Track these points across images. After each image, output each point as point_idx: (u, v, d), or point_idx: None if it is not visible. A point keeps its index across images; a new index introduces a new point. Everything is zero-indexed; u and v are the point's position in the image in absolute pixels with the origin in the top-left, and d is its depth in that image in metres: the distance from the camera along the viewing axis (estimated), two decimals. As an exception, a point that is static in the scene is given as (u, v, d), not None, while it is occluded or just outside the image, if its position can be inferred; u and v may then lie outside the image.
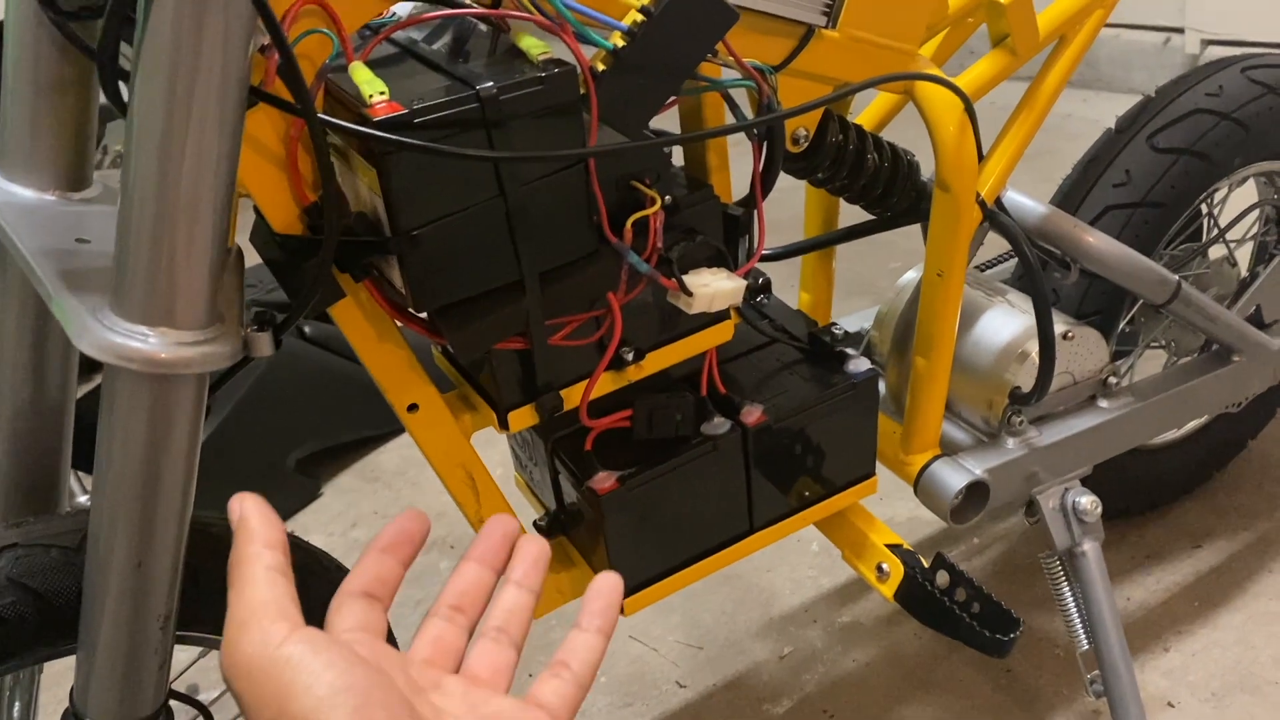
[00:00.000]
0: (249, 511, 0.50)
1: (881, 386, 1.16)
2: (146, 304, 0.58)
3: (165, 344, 0.58)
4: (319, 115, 0.61)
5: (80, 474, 0.96)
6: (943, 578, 0.96)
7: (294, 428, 1.93)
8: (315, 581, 0.87)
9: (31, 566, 0.71)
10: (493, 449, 1.12)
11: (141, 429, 0.60)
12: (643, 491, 0.87)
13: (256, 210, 0.70)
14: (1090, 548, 1.08)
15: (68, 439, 0.81)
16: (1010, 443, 1.05)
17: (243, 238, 0.71)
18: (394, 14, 0.75)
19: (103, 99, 0.67)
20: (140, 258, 0.57)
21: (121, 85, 0.58)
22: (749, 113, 0.86)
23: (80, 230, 0.68)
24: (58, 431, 0.80)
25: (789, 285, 1.18)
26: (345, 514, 1.87)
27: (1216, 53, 2.93)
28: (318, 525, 1.85)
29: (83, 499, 1.96)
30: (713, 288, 0.79)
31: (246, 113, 0.62)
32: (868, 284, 2.05)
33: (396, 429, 1.99)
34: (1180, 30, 3.03)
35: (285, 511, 1.87)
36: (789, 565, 1.50)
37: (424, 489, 1.87)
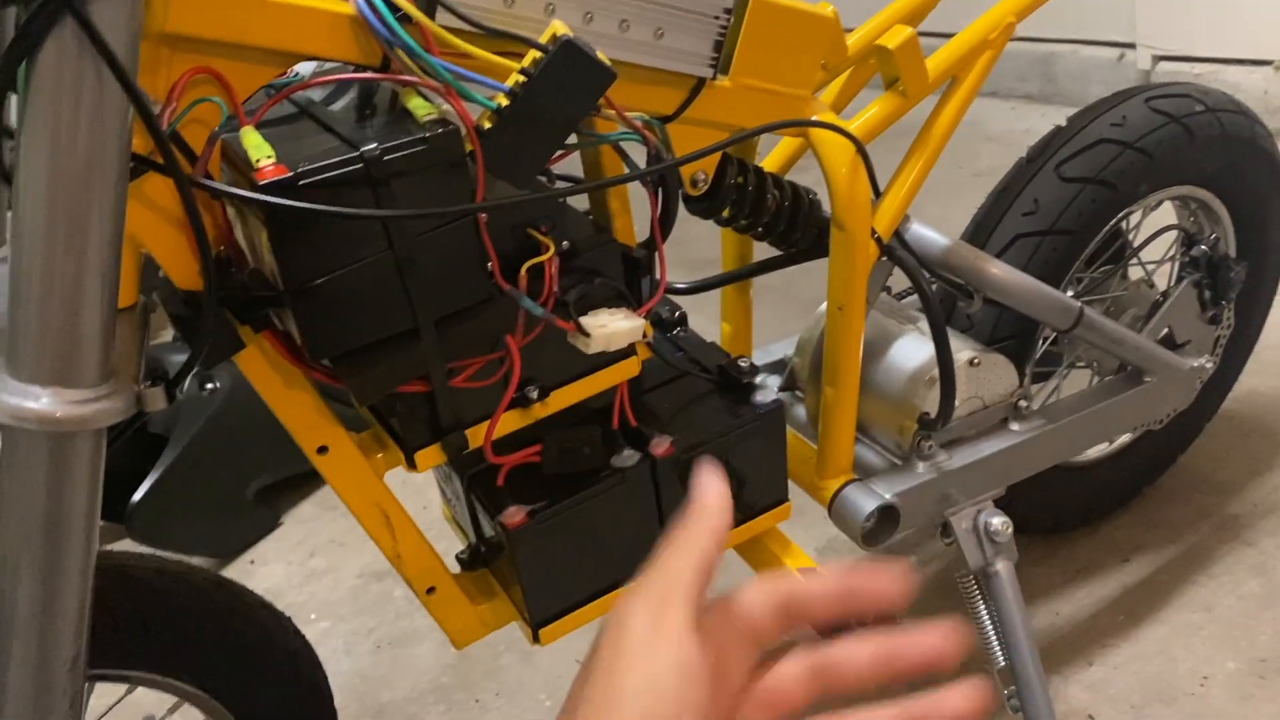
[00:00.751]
0: (710, 492, 0.51)
1: (802, 412, 1.20)
2: (38, 364, 0.61)
3: (58, 403, 0.61)
4: (195, 179, 0.64)
5: None
6: (851, 600, 0.99)
7: (253, 458, 1.96)
8: (236, 618, 0.90)
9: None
10: (431, 486, 1.14)
11: (41, 484, 0.63)
12: (553, 524, 0.90)
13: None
14: (1003, 567, 1.11)
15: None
16: (921, 466, 1.09)
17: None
18: (296, 73, 0.78)
19: None
20: (30, 320, 0.61)
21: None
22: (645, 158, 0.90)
23: (-14, 291, 0.71)
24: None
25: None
26: (305, 543, 1.90)
27: (1167, 68, 2.98)
28: (277, 555, 1.87)
29: None
30: (610, 328, 0.83)
31: (140, 179, 0.65)
32: (810, 307, 2.09)
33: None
34: (1132, 46, 3.09)
35: (244, 542, 1.90)
36: (727, 585, 1.53)
37: (382, 517, 1.89)
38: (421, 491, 1.59)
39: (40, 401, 0.61)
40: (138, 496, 1.75)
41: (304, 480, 2.01)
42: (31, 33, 0.53)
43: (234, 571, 1.84)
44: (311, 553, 1.87)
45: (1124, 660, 1.31)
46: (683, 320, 1.08)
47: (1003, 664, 1.12)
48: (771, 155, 1.11)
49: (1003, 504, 1.14)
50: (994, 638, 1.12)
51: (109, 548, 1.20)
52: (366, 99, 0.80)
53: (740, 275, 1.11)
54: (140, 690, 0.88)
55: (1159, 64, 3.03)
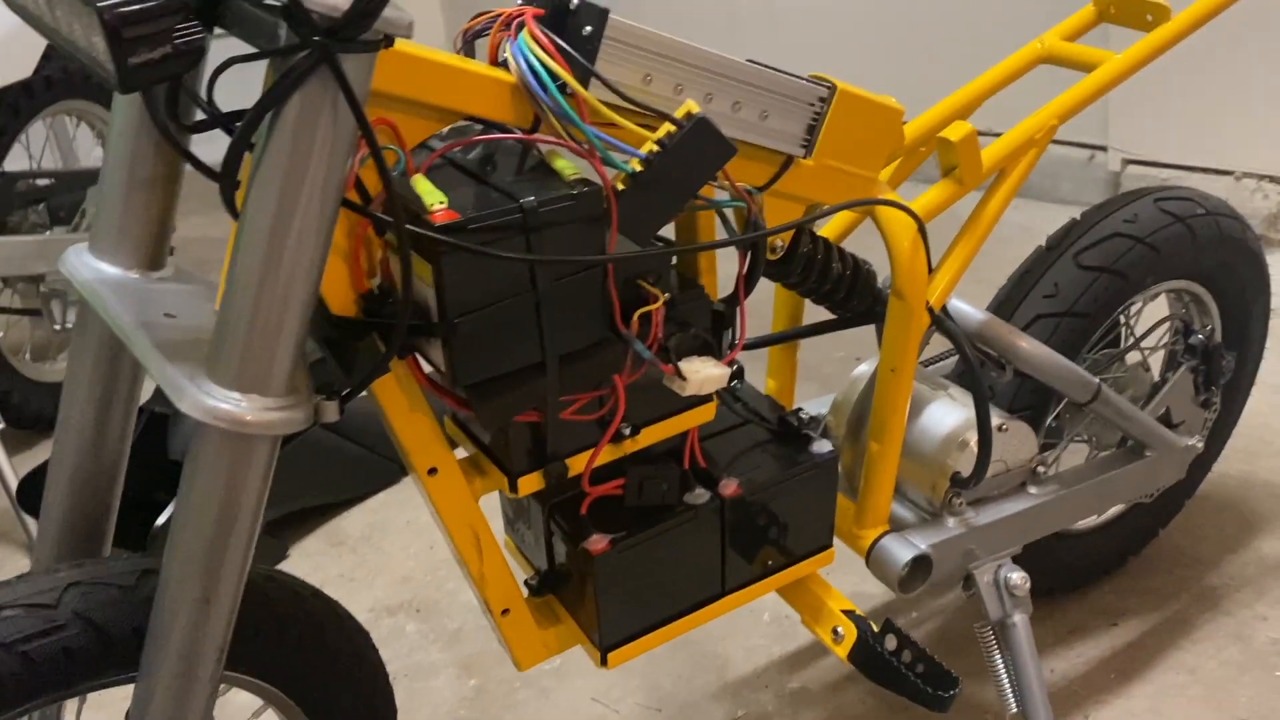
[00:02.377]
0: None
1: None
2: (239, 373, 0.69)
3: (252, 408, 0.69)
4: (409, 226, 0.72)
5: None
6: (891, 641, 1.08)
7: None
8: (331, 628, 0.96)
9: (93, 602, 0.80)
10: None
11: (222, 480, 0.70)
12: (632, 553, 0.98)
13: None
14: (1020, 619, 1.20)
15: (118, 492, 0.90)
16: (950, 521, 1.18)
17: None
18: (441, 130, 0.87)
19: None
20: (238, 336, 0.68)
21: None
22: (734, 223, 0.99)
23: (165, 305, 0.78)
24: (111, 483, 0.89)
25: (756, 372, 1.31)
26: (311, 577, 1.90)
27: (1135, 171, 3.17)
28: (285, 586, 1.90)
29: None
30: (703, 374, 0.92)
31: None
32: (814, 370, 2.19)
33: (361, 495, 2.07)
34: (1104, 148, 3.28)
35: (254, 572, 1.93)
36: (742, 634, 1.60)
37: (388, 554, 1.94)
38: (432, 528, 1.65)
39: (239, 405, 0.68)
40: (160, 522, 1.78)
41: (310, 516, 2.05)
42: (289, 80, 0.62)
43: (245, 600, 1.87)
44: (320, 586, 1.90)
45: (1117, 715, 1.40)
46: (740, 373, 1.17)
47: (1015, 710, 1.21)
48: (829, 227, 1.21)
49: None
50: (1008, 685, 1.21)
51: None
52: (494, 155, 0.88)
53: (794, 335, 1.20)
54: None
55: (1128, 167, 3.22)
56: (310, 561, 1.97)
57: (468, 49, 0.87)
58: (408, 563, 1.96)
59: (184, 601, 0.73)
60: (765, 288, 1.16)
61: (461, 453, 0.99)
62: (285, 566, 1.96)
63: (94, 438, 0.86)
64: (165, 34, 0.56)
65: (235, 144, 0.64)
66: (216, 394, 0.68)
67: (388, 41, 0.66)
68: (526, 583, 1.09)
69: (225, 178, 0.65)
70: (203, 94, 0.71)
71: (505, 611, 1.02)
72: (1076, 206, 1.52)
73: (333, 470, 2.04)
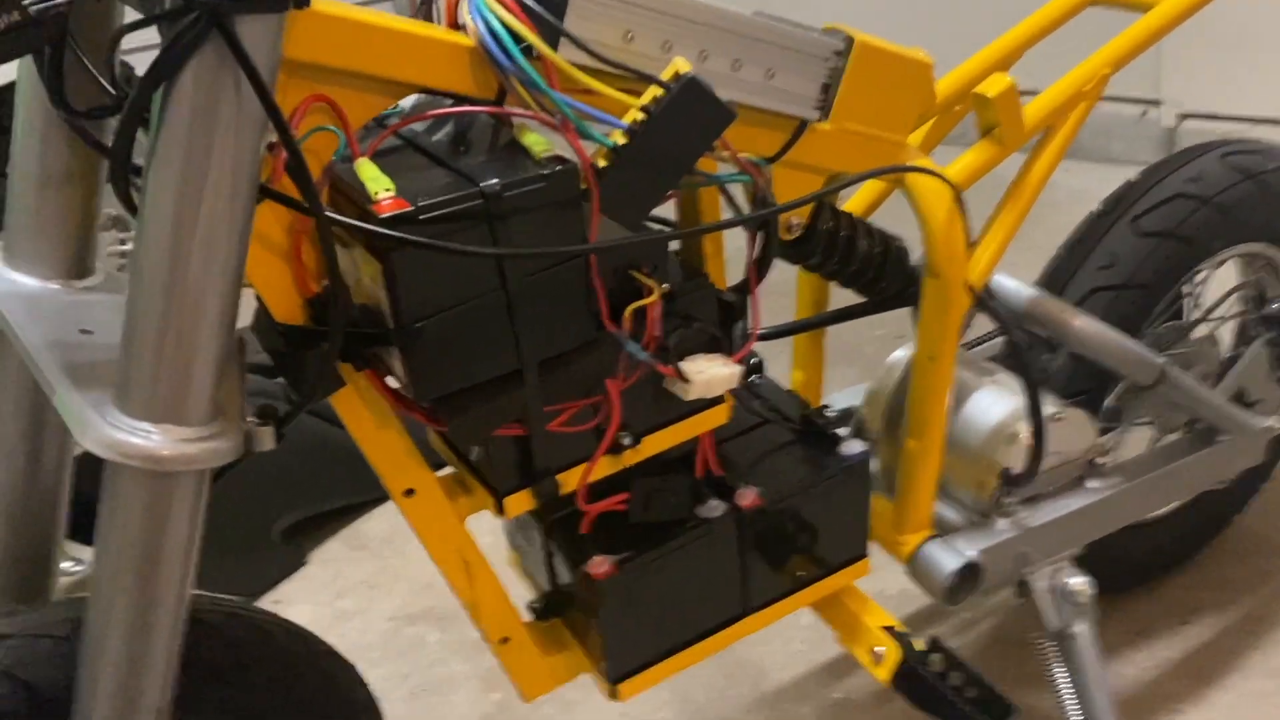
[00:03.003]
0: None
1: (873, 464, 1.17)
2: (150, 400, 0.59)
3: (168, 441, 0.59)
4: (328, 213, 0.62)
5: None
6: (937, 661, 0.96)
7: (279, 496, 1.92)
8: (306, 666, 0.86)
9: (23, 657, 0.71)
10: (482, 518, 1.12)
11: (142, 524, 0.61)
12: (639, 575, 0.87)
13: (258, 299, 0.71)
14: (1082, 630, 1.08)
15: (60, 528, 0.81)
16: (1001, 523, 1.06)
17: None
18: (399, 106, 0.76)
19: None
20: (145, 354, 0.58)
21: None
22: (743, 201, 0.88)
23: (83, 320, 0.68)
24: (50, 521, 0.80)
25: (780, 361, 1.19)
26: (332, 584, 1.85)
27: (1192, 126, 2.99)
28: (304, 595, 1.83)
29: (65, 564, 1.91)
30: (709, 374, 0.80)
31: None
32: (854, 352, 2.06)
33: (382, 496, 1.98)
34: (1157, 103, 3.11)
35: (270, 582, 1.85)
36: (780, 639, 1.49)
37: (410, 558, 1.86)
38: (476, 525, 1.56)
39: (150, 438, 0.58)
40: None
41: (331, 518, 1.97)
42: (176, 52, 0.51)
43: (260, 612, 1.79)
44: (340, 594, 1.82)
45: (1194, 727, 1.28)
46: (759, 368, 1.05)
47: (1080, 730, 1.09)
48: (854, 200, 1.09)
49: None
50: (1072, 703, 1.09)
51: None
52: (464, 131, 0.77)
53: (820, 322, 1.09)
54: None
55: (1184, 122, 3.04)
56: (331, 569, 1.89)
57: (425, 11, 0.76)
58: (430, 566, 1.87)
59: (110, 663, 0.63)
60: (787, 270, 1.05)
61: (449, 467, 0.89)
62: (305, 574, 1.88)
63: (26, 474, 0.77)
64: (12, -1, 0.46)
65: (122, 127, 0.54)
66: (125, 426, 0.58)
67: (298, 1, 0.55)
68: (530, 605, 0.99)
69: (114, 168, 0.55)
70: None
71: (504, 640, 0.92)
72: (1130, 166, 1.39)
73: (353, 471, 1.95)
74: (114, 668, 0.64)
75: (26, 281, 0.71)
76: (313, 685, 0.87)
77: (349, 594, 1.81)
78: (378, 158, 0.72)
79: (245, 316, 0.75)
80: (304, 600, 1.81)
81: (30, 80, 0.67)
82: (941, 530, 1.07)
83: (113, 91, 0.61)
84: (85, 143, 0.66)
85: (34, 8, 0.47)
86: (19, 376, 0.75)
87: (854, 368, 2.11)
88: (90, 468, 0.62)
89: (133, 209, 0.57)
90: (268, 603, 1.82)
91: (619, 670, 0.90)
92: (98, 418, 0.59)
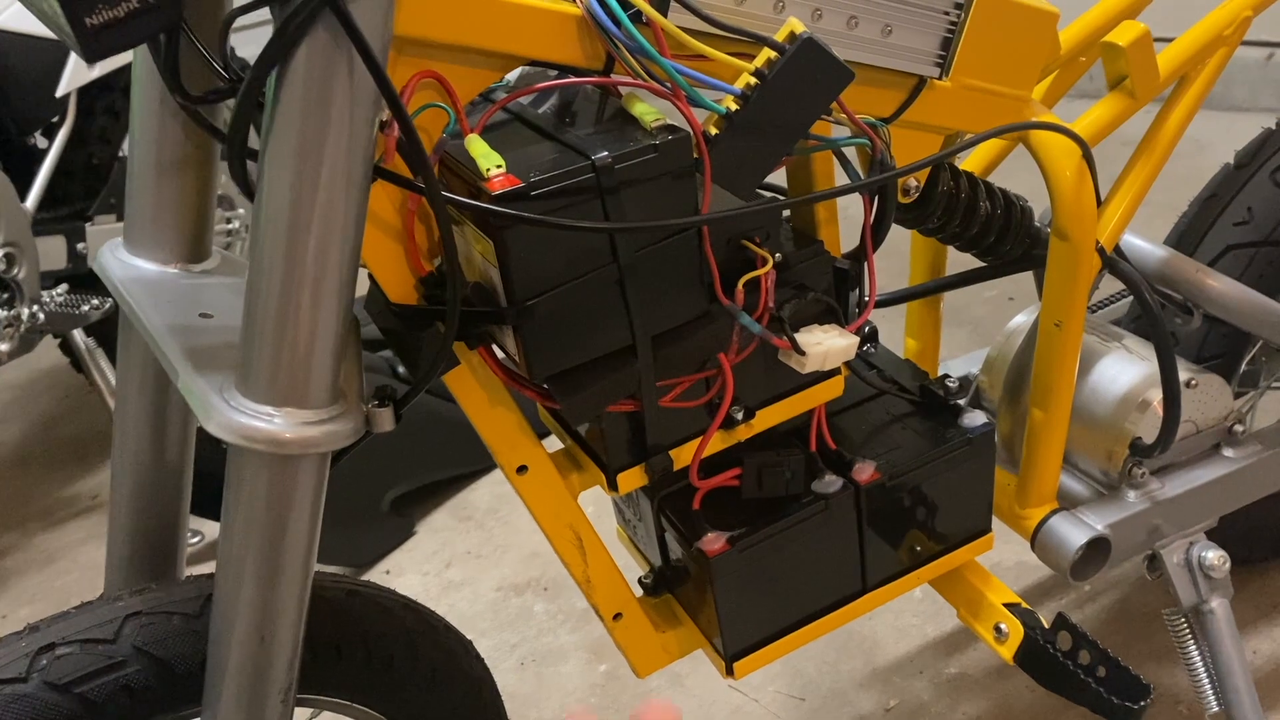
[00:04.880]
0: None
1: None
2: (271, 384, 0.59)
3: (290, 424, 0.59)
4: (444, 193, 0.61)
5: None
6: (1065, 639, 0.93)
7: (389, 468, 1.95)
8: (424, 642, 0.87)
9: (155, 634, 0.72)
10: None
11: (265, 506, 0.61)
12: (753, 553, 0.85)
13: (371, 279, 0.71)
14: (1218, 605, 1.03)
15: (185, 504, 0.82)
16: (1131, 495, 1.01)
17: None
18: (505, 80, 0.75)
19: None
20: (266, 338, 0.58)
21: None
22: (856, 164, 0.84)
23: (203, 304, 0.69)
24: (176, 498, 0.81)
25: (895, 329, 1.16)
26: (440, 553, 1.88)
27: (1323, 69, 2.82)
28: (413, 565, 1.86)
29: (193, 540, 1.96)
30: (825, 345, 0.78)
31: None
32: (962, 313, 2.00)
33: (488, 466, 2.00)
34: (1282, 45, 2.93)
35: (380, 552, 1.89)
36: (893, 612, 1.47)
37: (517, 528, 1.87)
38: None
39: (273, 422, 0.58)
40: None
41: (438, 489, 2.00)
42: (289, 32, 0.50)
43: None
44: (448, 563, 1.85)
45: (1338, 707, 1.21)
46: (874, 335, 1.02)
47: (1216, 709, 1.04)
48: (973, 158, 1.04)
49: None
50: (1207, 681, 1.04)
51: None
52: (569, 103, 0.76)
53: (937, 288, 1.05)
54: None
55: (1314, 65, 2.87)
56: (438, 538, 1.92)
57: (530, -19, 0.74)
58: (535, 536, 1.87)
59: (238, 643, 0.64)
60: (901, 233, 1.01)
61: (559, 443, 0.88)
62: (413, 543, 1.91)
63: (151, 453, 0.78)
64: (129, -15, 0.46)
65: (238, 110, 0.53)
66: (248, 410, 0.59)
67: (408, -25, 0.54)
68: (641, 580, 0.98)
69: (231, 152, 0.55)
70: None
71: (617, 616, 0.91)
72: (1254, 114, 1.30)
73: (459, 442, 1.97)
74: (242, 646, 0.64)
75: (147, 266, 0.72)
76: (432, 660, 0.88)
77: (457, 564, 1.84)
78: (486, 133, 0.71)
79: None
80: (413, 570, 1.85)
81: (145, 67, 0.67)
82: (1067, 503, 1.02)
83: (226, 75, 0.60)
84: (201, 127, 0.66)
85: (150, -5, 0.47)
86: (143, 359, 0.76)
87: (963, 330, 2.04)
88: (209, 440, 0.63)
89: (250, 193, 0.57)
90: (378, 573, 1.86)
91: (734, 648, 0.89)
92: (221, 402, 0.59)
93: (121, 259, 0.72)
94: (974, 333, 2.15)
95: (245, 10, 0.56)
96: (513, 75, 0.76)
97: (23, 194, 1.93)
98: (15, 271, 1.88)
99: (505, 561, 1.81)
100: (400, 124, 0.55)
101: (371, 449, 1.92)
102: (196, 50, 0.61)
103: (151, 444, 0.78)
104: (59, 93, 1.95)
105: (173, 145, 0.69)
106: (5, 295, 1.93)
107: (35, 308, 1.88)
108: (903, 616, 1.46)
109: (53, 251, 1.98)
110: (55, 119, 2.08)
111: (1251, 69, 3.05)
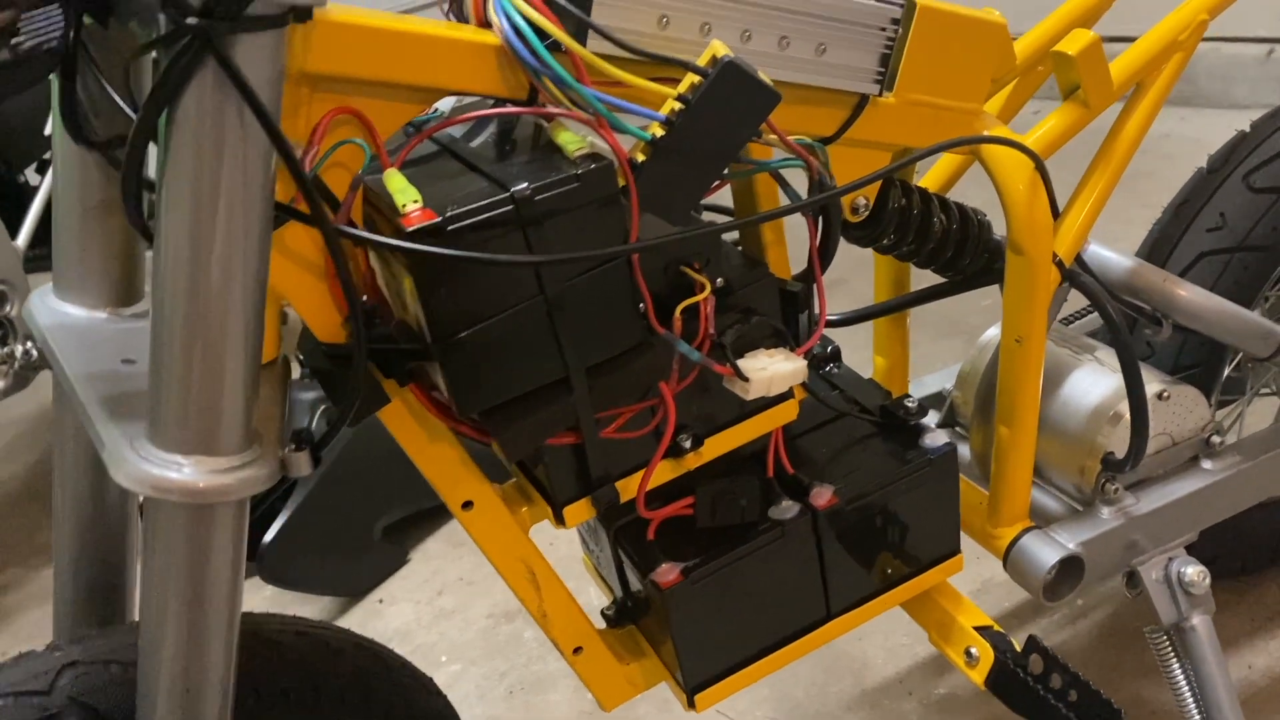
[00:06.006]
0: None
1: (966, 451, 1.11)
2: (180, 431, 0.58)
3: (201, 473, 0.57)
4: (339, 227, 0.60)
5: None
6: (1036, 663, 0.90)
7: (381, 494, 1.94)
8: (378, 682, 0.85)
9: (91, 684, 0.71)
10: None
11: (182, 556, 0.60)
12: (709, 583, 0.83)
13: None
14: (1200, 621, 1.00)
15: (132, 549, 0.82)
16: (1105, 512, 0.99)
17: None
18: (437, 109, 0.74)
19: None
20: (172, 385, 0.57)
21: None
22: (803, 183, 0.83)
23: (126, 349, 0.68)
24: (120, 540, 0.80)
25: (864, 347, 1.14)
26: (432, 580, 1.87)
27: (1323, 64, 2.78)
28: (405, 593, 1.85)
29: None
30: (770, 371, 0.76)
31: (281, 228, 0.61)
32: (958, 323, 1.98)
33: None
34: (1283, 41, 2.90)
35: (373, 580, 1.88)
36: (881, 632, 1.44)
37: (508, 554, 1.85)
38: (545, 528, 1.56)
39: (182, 472, 0.57)
40: (269, 537, 1.74)
41: (430, 516, 1.99)
42: (172, 77, 0.50)
43: (363, 611, 1.82)
44: (440, 591, 1.84)
45: (1334, 722, 1.18)
46: (836, 355, 1.00)
47: (1202, 729, 1.01)
48: (931, 174, 1.03)
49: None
50: (1190, 700, 1.02)
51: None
52: (507, 133, 0.75)
53: (898, 305, 1.03)
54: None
55: (1314, 60, 2.84)
56: (430, 565, 1.91)
57: (456, 8, 0.73)
58: (527, 562, 1.88)
59: (163, 695, 0.63)
60: (863, 251, 0.99)
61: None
62: (406, 571, 1.90)
63: (92, 501, 0.77)
64: (2, 34, 0.45)
65: (129, 156, 0.52)
66: (157, 459, 0.57)
67: (298, 14, 0.53)
68: (603, 612, 0.96)
69: (125, 195, 0.54)
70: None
71: (577, 650, 0.89)
72: (1256, 111, 1.27)
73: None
74: (169, 695, 0.63)
75: (75, 312, 0.71)
76: (387, 701, 0.86)
77: (449, 591, 1.83)
78: (413, 165, 0.70)
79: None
80: (405, 598, 1.84)
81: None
82: (1041, 521, 1.00)
83: (133, 115, 0.60)
84: (116, 170, 0.65)
85: (24, 45, 0.46)
86: (75, 406, 0.75)
87: (959, 338, 2.02)
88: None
89: (148, 236, 0.56)
90: (372, 601, 1.85)
91: (694, 680, 0.87)
92: (131, 452, 0.58)
93: (50, 305, 0.71)
94: (969, 341, 2.12)
95: (142, 53, 0.55)
96: (446, 104, 0.75)
97: (14, 231, 1.94)
98: (7, 309, 1.89)
99: (496, 588, 1.79)
100: (287, 165, 0.54)
101: (363, 477, 1.91)
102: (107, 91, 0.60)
103: (91, 492, 0.78)
104: (48, 130, 1.96)
105: (95, 187, 0.68)
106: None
107: (29, 344, 1.88)
108: (893, 636, 1.44)
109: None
110: (45, 155, 2.10)
111: (1251, 66, 3.02)
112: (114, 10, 0.56)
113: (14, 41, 0.45)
